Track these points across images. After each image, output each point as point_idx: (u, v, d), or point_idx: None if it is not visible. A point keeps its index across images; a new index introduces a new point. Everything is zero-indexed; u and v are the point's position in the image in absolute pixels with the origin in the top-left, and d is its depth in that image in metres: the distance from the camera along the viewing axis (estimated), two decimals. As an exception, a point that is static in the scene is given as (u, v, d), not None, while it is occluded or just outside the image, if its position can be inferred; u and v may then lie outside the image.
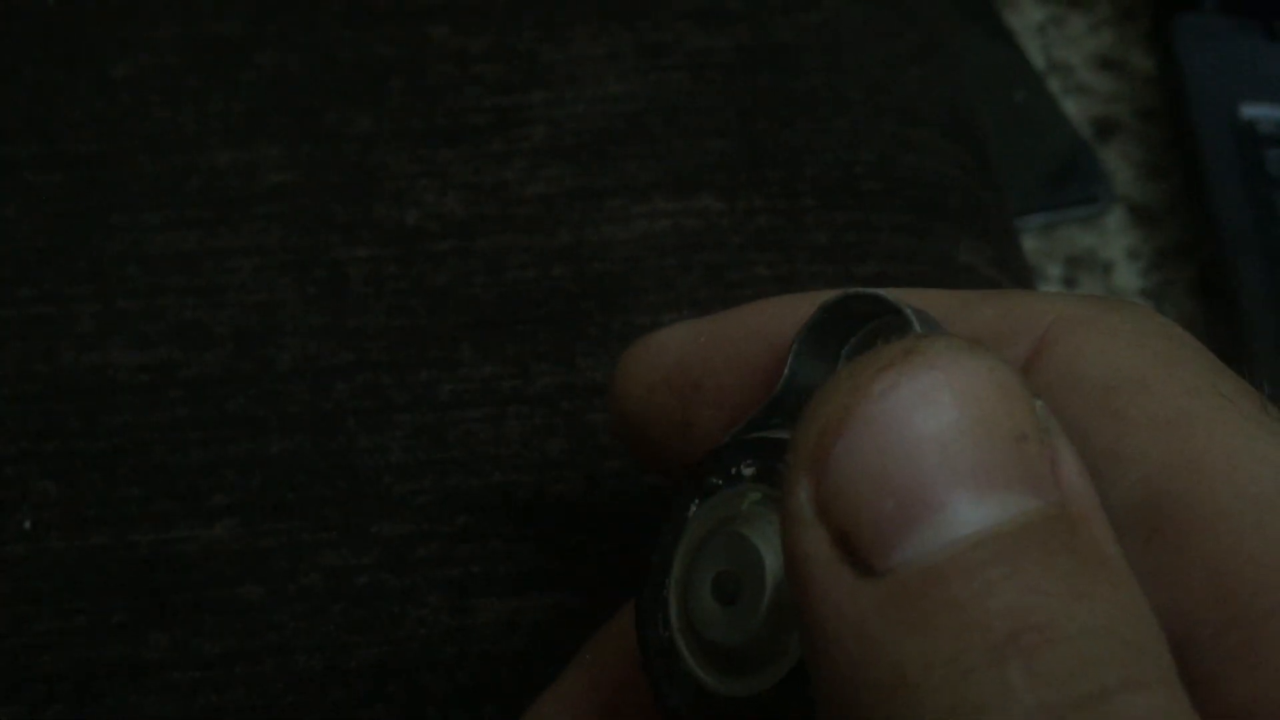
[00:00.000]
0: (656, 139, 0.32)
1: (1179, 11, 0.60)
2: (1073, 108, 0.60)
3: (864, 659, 0.13)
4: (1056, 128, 0.58)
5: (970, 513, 0.13)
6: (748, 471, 0.18)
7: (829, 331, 0.19)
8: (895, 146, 0.32)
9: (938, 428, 0.13)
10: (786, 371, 0.19)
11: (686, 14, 0.34)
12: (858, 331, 0.19)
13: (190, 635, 0.26)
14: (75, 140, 0.31)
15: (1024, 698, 0.12)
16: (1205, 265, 0.54)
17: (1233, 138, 0.55)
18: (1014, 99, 0.59)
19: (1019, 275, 0.33)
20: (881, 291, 0.18)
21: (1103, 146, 0.59)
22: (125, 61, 0.32)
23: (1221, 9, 0.60)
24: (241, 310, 0.29)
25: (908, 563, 0.13)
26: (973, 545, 0.13)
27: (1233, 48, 0.59)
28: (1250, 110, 0.56)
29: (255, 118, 0.32)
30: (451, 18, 0.34)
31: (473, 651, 0.26)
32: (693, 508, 0.18)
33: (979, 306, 0.18)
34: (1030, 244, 0.56)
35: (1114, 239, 0.57)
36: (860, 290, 0.18)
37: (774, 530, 0.17)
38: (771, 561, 0.17)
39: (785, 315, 0.19)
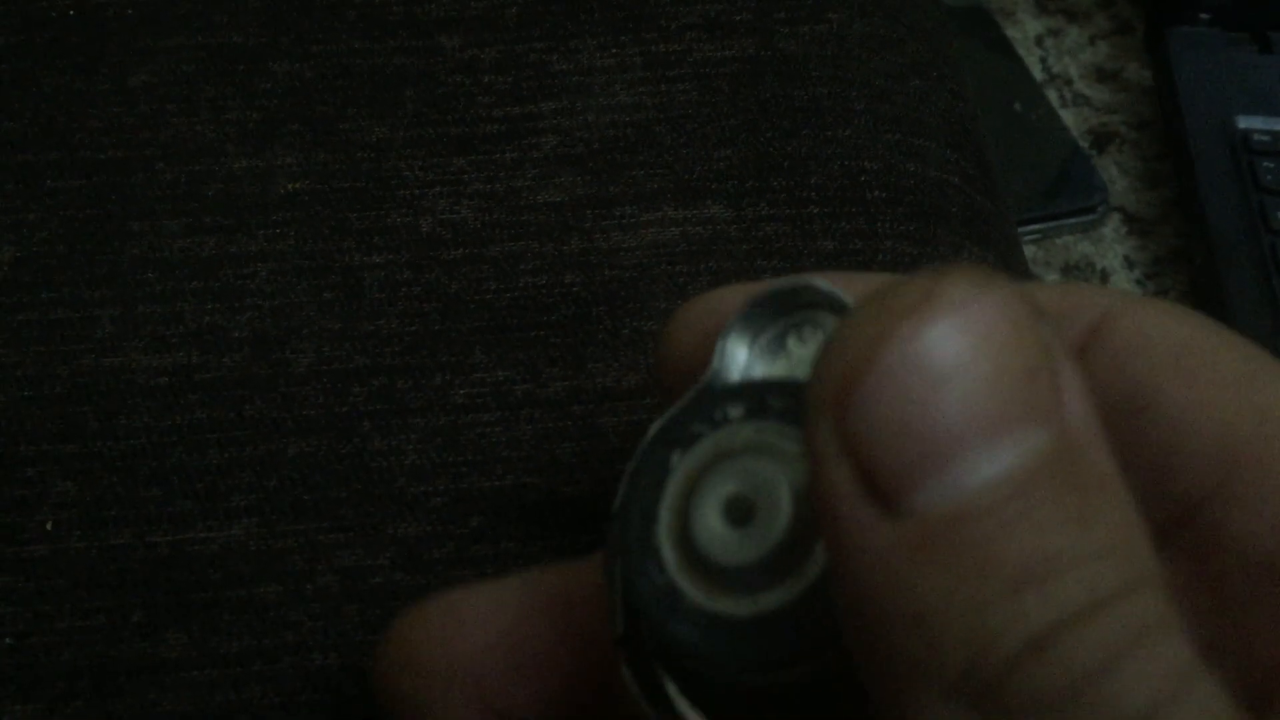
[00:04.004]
0: (665, 148, 0.32)
1: (1174, 25, 0.61)
2: (1070, 118, 0.61)
3: (887, 592, 0.14)
4: (1054, 138, 0.59)
5: (987, 457, 0.14)
6: (735, 413, 0.18)
7: (764, 319, 0.20)
8: (899, 155, 0.33)
9: (959, 374, 0.14)
10: (714, 362, 0.19)
11: (694, 25, 0.34)
12: (792, 318, 0.20)
13: (208, 634, 0.26)
14: (94, 147, 0.31)
15: (1035, 620, 0.14)
16: (1199, 273, 0.55)
17: (1227, 148, 0.56)
18: (1013, 109, 0.59)
19: (1021, 281, 0.33)
20: (815, 280, 0.19)
21: (1099, 156, 0.60)
22: (143, 70, 0.32)
23: (1215, 22, 0.61)
24: (258, 315, 0.29)
25: (929, 504, 0.14)
26: (989, 488, 0.14)
27: (1226, 60, 0.59)
28: (1245, 121, 0.56)
29: (271, 126, 0.32)
30: (462, 28, 0.34)
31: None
32: (675, 457, 0.18)
33: (1033, 294, 0.19)
34: (1028, 252, 0.57)
35: (1110, 247, 0.58)
36: (800, 279, 0.19)
37: (786, 449, 0.17)
38: (789, 474, 0.17)
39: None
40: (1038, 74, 0.62)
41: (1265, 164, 0.55)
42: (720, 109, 0.33)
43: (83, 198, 0.31)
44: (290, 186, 0.31)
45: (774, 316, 0.20)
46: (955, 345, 0.14)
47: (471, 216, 0.31)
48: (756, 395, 0.18)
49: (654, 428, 0.19)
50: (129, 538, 0.27)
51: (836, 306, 0.19)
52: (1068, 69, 0.63)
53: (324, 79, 0.33)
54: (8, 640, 0.26)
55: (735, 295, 0.21)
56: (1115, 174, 0.60)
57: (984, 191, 0.35)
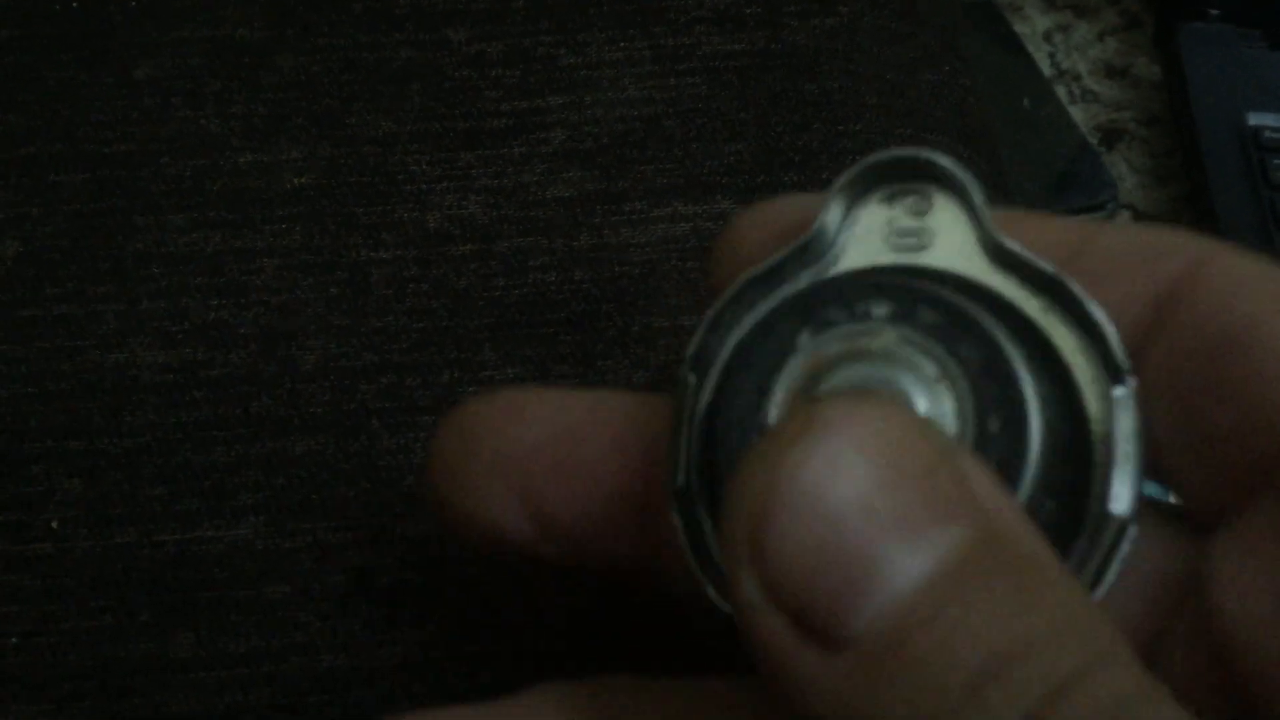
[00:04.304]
0: (674, 143, 0.32)
1: (1184, 21, 0.60)
2: (1079, 114, 0.60)
3: None
4: (1063, 134, 0.59)
5: (908, 562, 0.14)
6: (879, 311, 0.17)
7: (869, 186, 0.19)
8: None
9: (855, 490, 0.14)
10: (821, 219, 0.19)
11: (703, 19, 0.34)
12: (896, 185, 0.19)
13: (215, 634, 0.26)
14: (98, 141, 0.31)
15: (1006, 715, 0.13)
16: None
17: (1237, 145, 0.56)
18: (1021, 105, 0.59)
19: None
20: (932, 154, 0.18)
21: (1108, 153, 0.60)
22: (148, 63, 0.32)
23: (1226, 18, 0.60)
24: (264, 311, 0.29)
25: (867, 629, 0.14)
26: (920, 594, 0.14)
27: (1237, 57, 0.59)
28: (1255, 118, 0.56)
29: (277, 120, 0.32)
30: (470, 22, 0.34)
31: (495, 650, 0.26)
32: (803, 336, 0.17)
33: (1099, 238, 0.18)
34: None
35: (1119, 245, 0.57)
36: (910, 152, 0.18)
37: (927, 371, 0.17)
38: (926, 395, 0.16)
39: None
40: (1046, 70, 0.62)
41: (1276, 161, 0.54)
42: (730, 103, 0.33)
43: (87, 192, 0.31)
44: (296, 181, 0.31)
45: (881, 182, 0.19)
46: (845, 465, 0.14)
47: (479, 212, 0.31)
48: (907, 300, 0.17)
49: (747, 276, 0.18)
50: (135, 536, 0.27)
51: (946, 181, 0.18)
52: (1076, 65, 0.62)
53: (330, 73, 0.32)
54: (14, 640, 0.26)
55: (803, 203, 0.20)
56: (1124, 170, 0.59)
57: (993, 186, 0.34)
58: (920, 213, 0.19)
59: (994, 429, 0.16)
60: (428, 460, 0.21)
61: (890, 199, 0.19)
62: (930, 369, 0.17)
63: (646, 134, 0.32)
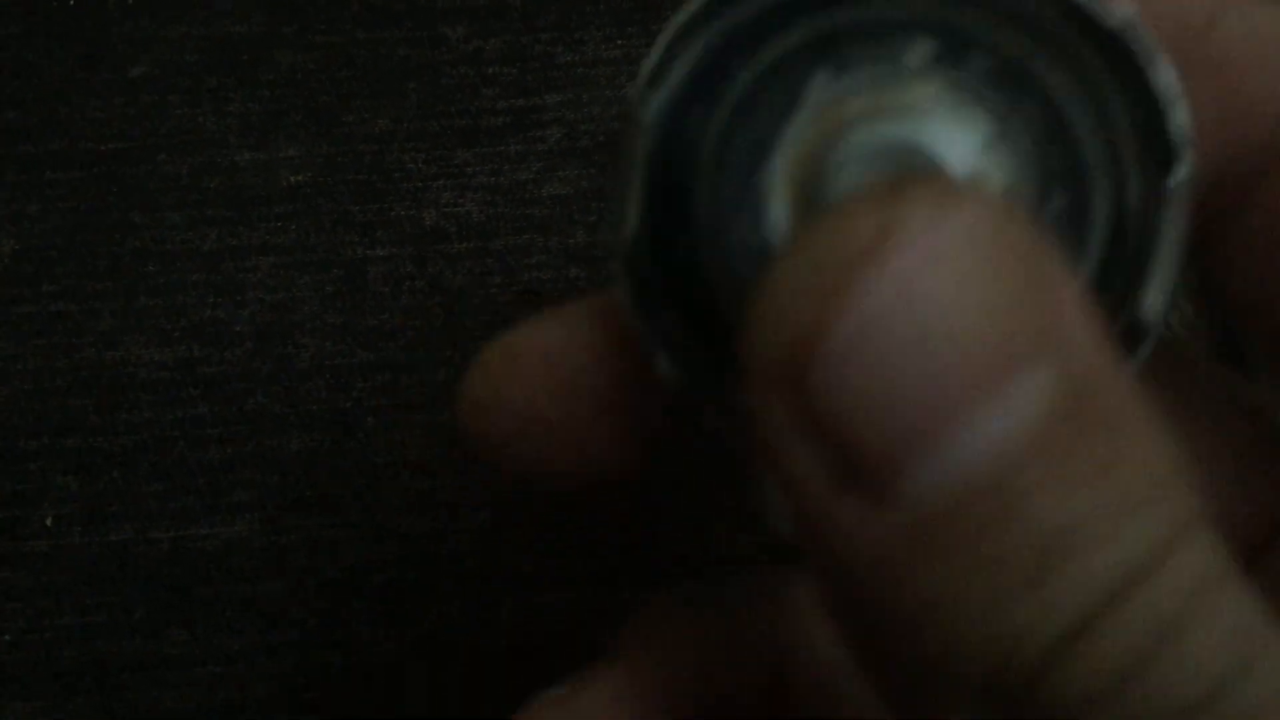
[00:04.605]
0: (671, 141, 0.32)
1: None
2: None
3: (886, 595, 0.12)
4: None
5: (988, 411, 0.11)
6: (919, 51, 0.13)
7: None
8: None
9: (937, 322, 0.11)
10: None
11: (701, 17, 0.34)
12: None
13: (210, 631, 0.26)
14: (95, 138, 0.31)
15: (1066, 609, 0.11)
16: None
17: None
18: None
19: None
20: None
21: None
22: (144, 60, 0.32)
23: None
24: (261, 308, 0.29)
25: (924, 488, 0.11)
26: (993, 458, 0.11)
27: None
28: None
29: (273, 117, 0.32)
30: (467, 19, 0.34)
31: (492, 648, 0.26)
32: (819, 78, 0.13)
33: (1232, 21, 0.15)
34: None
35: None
36: None
37: (969, 134, 0.13)
38: (973, 163, 0.13)
39: None
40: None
41: None
42: (727, 101, 0.33)
43: (84, 189, 0.31)
44: (293, 179, 0.31)
45: None
46: (928, 287, 0.11)
47: (476, 210, 0.31)
48: (955, 39, 0.13)
49: None
50: (130, 533, 0.27)
51: None
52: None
53: (327, 70, 0.32)
54: (8, 637, 0.26)
55: None
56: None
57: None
58: None
59: (1053, 214, 0.13)
60: (457, 404, 0.18)
61: None
62: (985, 131, 0.13)
63: (643, 132, 0.32)
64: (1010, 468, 0.11)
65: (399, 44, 0.33)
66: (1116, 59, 0.14)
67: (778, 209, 0.13)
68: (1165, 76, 0.14)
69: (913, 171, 0.13)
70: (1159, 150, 0.14)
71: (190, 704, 0.25)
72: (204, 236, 0.30)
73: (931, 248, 0.11)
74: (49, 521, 0.27)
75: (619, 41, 0.33)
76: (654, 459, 0.17)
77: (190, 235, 0.30)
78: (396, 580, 0.26)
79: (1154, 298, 0.14)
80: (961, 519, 0.11)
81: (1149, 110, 0.14)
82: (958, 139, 0.13)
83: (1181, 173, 0.14)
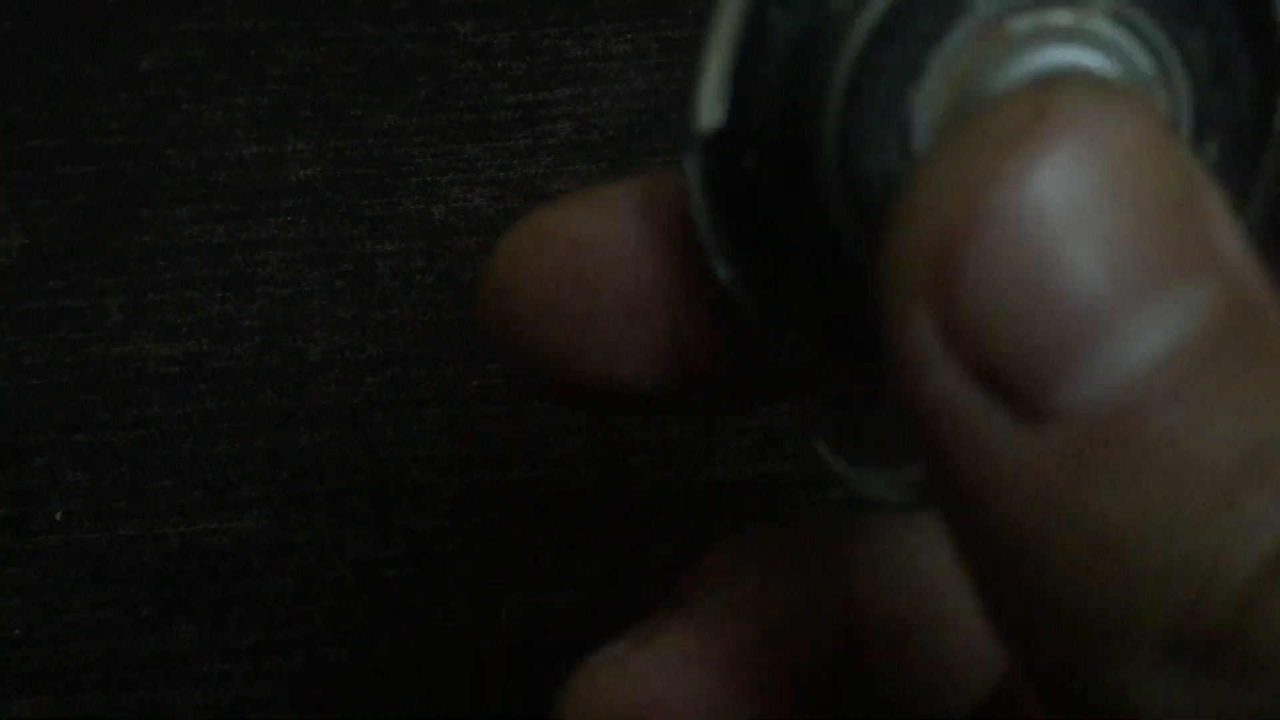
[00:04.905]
0: (681, 135, 0.32)
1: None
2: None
3: (1046, 525, 0.10)
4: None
5: (1150, 319, 0.10)
6: None
7: None
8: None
9: (1094, 218, 0.10)
10: None
11: (710, 10, 0.34)
12: None
13: (218, 627, 0.26)
14: (102, 133, 0.31)
15: (1269, 530, 0.10)
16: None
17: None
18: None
19: None
20: None
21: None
22: (152, 55, 0.32)
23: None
24: (270, 303, 0.29)
25: (1086, 399, 0.10)
26: (1161, 364, 0.10)
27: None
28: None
29: (281, 112, 0.32)
30: (475, 13, 0.34)
31: (499, 645, 0.26)
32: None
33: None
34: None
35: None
36: None
37: (1130, 67, 0.12)
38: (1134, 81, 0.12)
39: None
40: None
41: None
42: (737, 96, 0.32)
43: (91, 184, 0.31)
44: (302, 173, 0.31)
45: None
46: (1085, 180, 0.10)
47: (485, 204, 0.31)
48: None
49: None
50: (139, 529, 0.27)
51: None
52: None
53: (335, 64, 0.32)
54: (16, 632, 0.26)
55: None
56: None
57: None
58: None
59: (1210, 157, 0.12)
60: (479, 289, 0.16)
61: None
62: (1146, 65, 0.12)
63: (653, 126, 0.32)
64: (1180, 378, 0.10)
65: (407, 38, 0.33)
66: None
67: (925, 134, 0.12)
68: None
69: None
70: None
71: (198, 700, 0.25)
72: (212, 231, 0.30)
73: (1092, 134, 0.10)
74: (58, 517, 0.27)
75: (628, 35, 0.33)
76: (685, 385, 0.15)
77: (198, 230, 0.30)
78: (405, 577, 0.26)
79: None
80: (1131, 435, 0.10)
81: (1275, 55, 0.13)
82: (1125, 70, 0.12)
83: None
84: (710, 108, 0.13)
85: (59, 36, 0.32)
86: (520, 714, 0.26)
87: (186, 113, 0.31)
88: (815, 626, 0.16)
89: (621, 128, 0.32)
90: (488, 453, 0.28)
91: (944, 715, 0.16)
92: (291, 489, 0.27)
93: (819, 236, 0.13)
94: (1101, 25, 0.12)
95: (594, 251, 0.15)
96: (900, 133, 0.12)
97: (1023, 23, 0.12)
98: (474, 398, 0.28)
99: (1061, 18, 0.12)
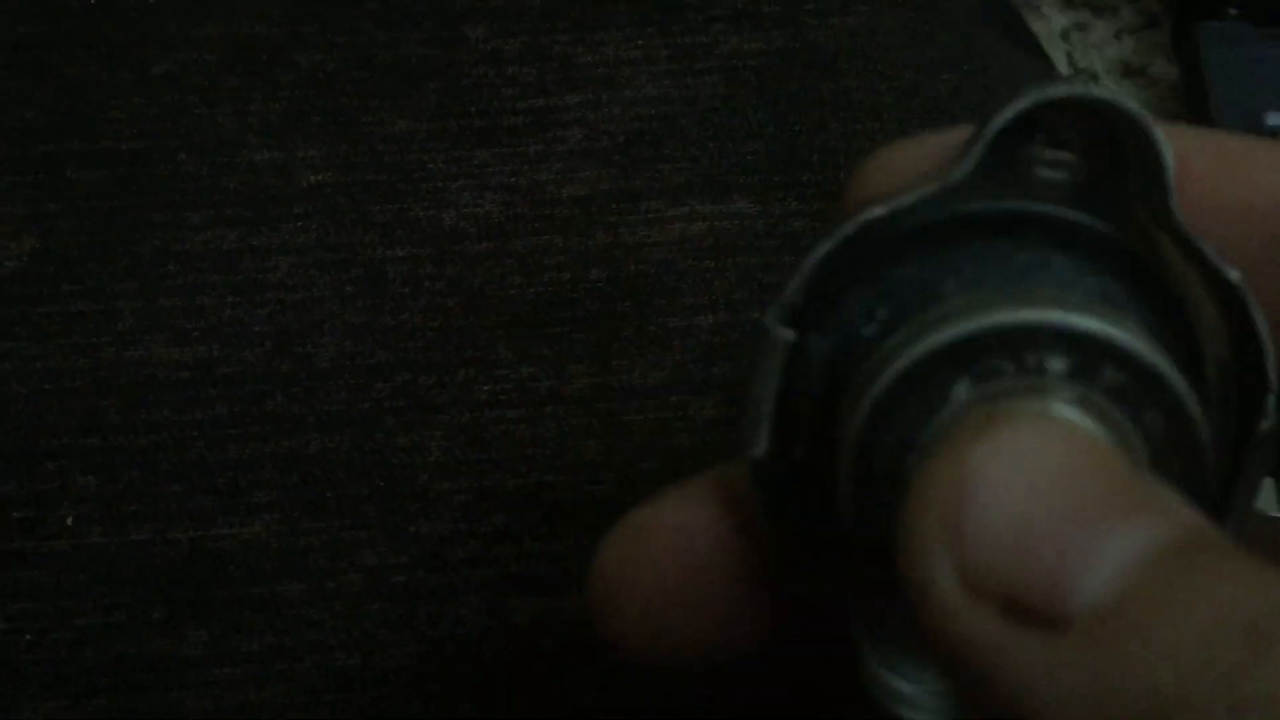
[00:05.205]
0: (691, 141, 0.32)
1: (1203, 19, 0.60)
2: (1096, 114, 0.60)
3: (1105, 709, 0.13)
4: (1080, 134, 0.58)
5: (1131, 533, 0.13)
6: (1055, 366, 0.15)
7: (1029, 119, 0.16)
8: (929, 151, 0.33)
9: (1064, 467, 0.13)
10: (969, 160, 0.15)
11: (721, 17, 0.34)
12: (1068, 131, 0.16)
13: (229, 632, 0.26)
14: (116, 138, 0.31)
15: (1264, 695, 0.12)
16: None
17: (1256, 145, 0.55)
18: (1039, 105, 0.58)
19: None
20: (1116, 97, 0.15)
21: (1125, 153, 0.59)
22: (165, 60, 0.32)
23: (1245, 17, 0.60)
24: (280, 308, 0.29)
25: (1093, 600, 0.13)
26: (1159, 557, 0.13)
27: (1257, 56, 0.59)
28: (1275, 119, 0.56)
29: (293, 117, 0.32)
30: (486, 19, 0.34)
31: (509, 650, 0.26)
32: (959, 387, 0.15)
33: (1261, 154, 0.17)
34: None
35: (1136, 245, 0.57)
36: (1084, 90, 0.15)
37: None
38: None
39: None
40: (1064, 68, 0.61)
41: (1295, 161, 0.54)
42: (747, 102, 0.33)
43: (104, 189, 0.31)
44: (313, 179, 0.31)
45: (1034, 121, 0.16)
46: (1050, 444, 0.14)
47: (495, 210, 0.31)
48: (1090, 354, 0.15)
49: (866, 217, 0.15)
50: (150, 533, 0.27)
51: (1123, 132, 0.15)
52: (1094, 63, 0.62)
53: (347, 70, 0.32)
54: (28, 636, 0.26)
55: (939, 142, 0.17)
56: (1141, 170, 0.59)
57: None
58: (1069, 161, 0.16)
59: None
60: (589, 584, 0.19)
61: (1030, 135, 0.16)
62: (1107, 440, 0.15)
63: (663, 133, 0.32)
64: (1179, 567, 0.13)
65: (418, 44, 0.33)
66: (1228, 309, 0.16)
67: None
68: (1265, 328, 0.16)
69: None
70: (1255, 394, 0.16)
71: (208, 704, 0.25)
72: (223, 236, 0.30)
73: (1043, 430, 0.14)
74: (69, 521, 0.27)
75: (639, 42, 0.33)
76: (769, 643, 0.18)
77: (210, 235, 0.30)
78: (415, 582, 0.26)
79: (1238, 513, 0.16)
80: (1158, 609, 0.13)
81: (1250, 360, 0.16)
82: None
83: (1272, 419, 0.16)
84: (757, 440, 0.16)
85: (73, 42, 0.32)
86: (530, 718, 0.26)
87: (199, 118, 0.31)
88: None
89: (632, 134, 0.32)
90: (498, 458, 0.28)
91: None
92: (302, 494, 0.27)
93: (837, 518, 0.16)
94: (1064, 410, 0.14)
95: (689, 539, 0.17)
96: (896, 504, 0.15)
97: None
98: (484, 403, 0.28)
99: (1032, 404, 0.15)
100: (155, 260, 0.30)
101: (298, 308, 0.29)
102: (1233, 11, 0.59)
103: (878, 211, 0.16)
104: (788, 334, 0.16)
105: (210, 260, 0.30)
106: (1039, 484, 0.13)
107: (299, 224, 0.30)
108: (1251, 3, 0.59)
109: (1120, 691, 0.12)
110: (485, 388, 0.29)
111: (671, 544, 0.17)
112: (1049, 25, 0.63)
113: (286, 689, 0.25)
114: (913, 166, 0.17)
